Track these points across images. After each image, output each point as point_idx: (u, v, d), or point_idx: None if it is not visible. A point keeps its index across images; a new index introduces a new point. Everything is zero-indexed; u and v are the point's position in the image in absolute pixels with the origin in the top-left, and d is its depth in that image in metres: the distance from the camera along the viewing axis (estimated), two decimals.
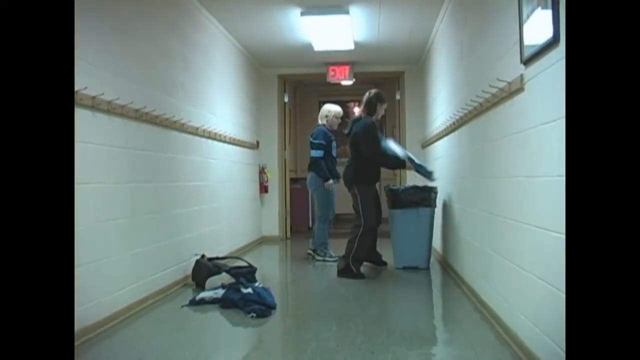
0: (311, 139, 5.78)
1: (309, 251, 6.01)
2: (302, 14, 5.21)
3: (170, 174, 4.19)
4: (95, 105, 3.01)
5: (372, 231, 4.90)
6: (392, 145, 5.02)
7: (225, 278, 4.10)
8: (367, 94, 4.94)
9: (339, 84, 7.91)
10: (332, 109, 5.91)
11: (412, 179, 6.96)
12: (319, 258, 5.72)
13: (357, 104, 10.64)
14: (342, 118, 6.01)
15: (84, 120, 2.95)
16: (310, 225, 8.52)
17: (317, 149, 5.71)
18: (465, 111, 3.87)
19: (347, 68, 7.34)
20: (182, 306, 3.67)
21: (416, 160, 4.98)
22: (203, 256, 4.39)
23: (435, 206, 5.07)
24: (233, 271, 4.18)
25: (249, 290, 3.65)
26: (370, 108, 4.84)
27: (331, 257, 5.65)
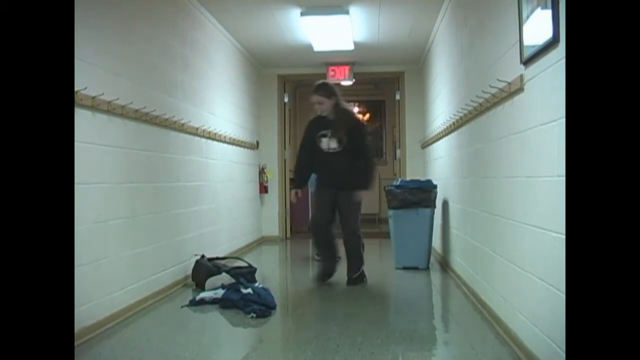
0: None
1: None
2: (302, 14, 5.21)
3: (170, 174, 4.19)
4: (95, 105, 3.01)
5: (314, 227, 4.62)
6: None
7: (225, 278, 4.09)
8: None
9: (339, 84, 7.91)
10: None
11: (412, 173, 6.97)
12: (318, 258, 5.71)
13: (356, 104, 10.65)
14: None
15: (84, 121, 2.95)
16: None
17: None
18: (465, 111, 3.87)
19: (347, 68, 7.34)
20: (182, 306, 3.67)
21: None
22: (203, 256, 4.39)
23: (435, 206, 5.07)
24: (233, 271, 4.17)
25: (249, 290, 3.65)
26: None
27: None
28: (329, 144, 4.40)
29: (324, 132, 4.41)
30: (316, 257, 5.71)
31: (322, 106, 4.39)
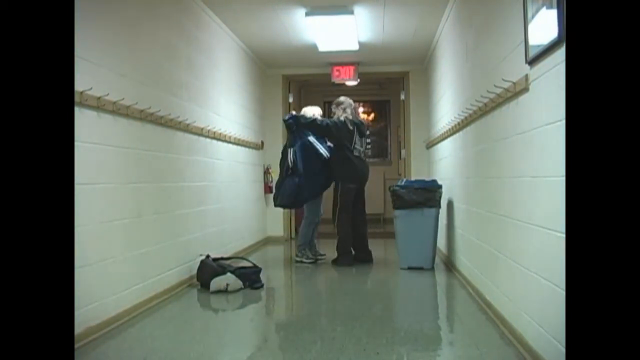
0: None
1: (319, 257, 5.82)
2: (307, 14, 5.21)
3: (175, 174, 4.20)
4: (100, 106, 3.02)
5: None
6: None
7: (230, 278, 4.10)
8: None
9: (344, 85, 7.91)
10: (308, 111, 5.77)
11: (417, 173, 6.96)
12: (297, 259, 5.72)
13: (361, 104, 10.65)
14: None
15: (89, 121, 2.96)
16: None
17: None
18: (470, 111, 3.87)
19: (351, 68, 7.33)
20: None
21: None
22: (208, 256, 4.39)
23: (440, 207, 5.06)
24: (238, 271, 4.19)
25: None
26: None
27: (308, 258, 5.67)
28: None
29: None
30: (296, 257, 5.71)
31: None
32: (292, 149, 5.47)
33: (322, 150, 5.45)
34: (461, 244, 4.56)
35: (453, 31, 4.93)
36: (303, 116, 5.52)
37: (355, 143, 5.41)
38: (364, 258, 5.48)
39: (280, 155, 5.72)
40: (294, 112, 5.68)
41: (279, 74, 7.74)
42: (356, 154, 5.43)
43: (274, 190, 5.67)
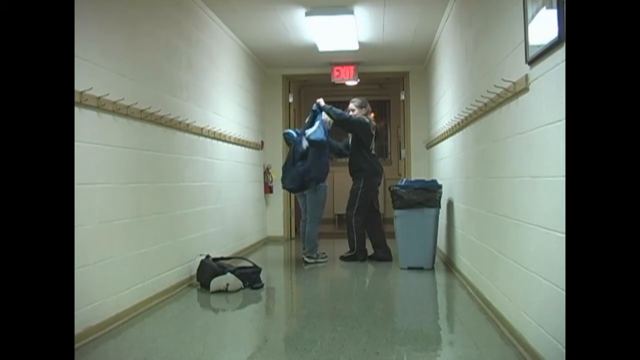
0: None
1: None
2: (307, 14, 5.21)
3: (175, 174, 4.20)
4: (100, 105, 3.02)
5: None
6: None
7: (230, 278, 4.10)
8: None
9: (344, 84, 7.91)
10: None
11: (417, 173, 6.97)
12: (311, 261, 5.66)
13: None
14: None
15: (89, 121, 2.96)
16: None
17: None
18: (470, 111, 3.87)
19: (351, 68, 7.33)
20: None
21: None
22: (208, 256, 4.40)
23: (440, 207, 5.06)
24: (238, 271, 4.19)
25: None
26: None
27: (323, 258, 5.68)
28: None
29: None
30: (309, 260, 5.67)
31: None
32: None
33: (300, 139, 5.61)
34: (461, 244, 4.56)
35: (453, 31, 4.93)
36: (332, 108, 5.63)
37: (372, 144, 5.80)
38: (386, 258, 5.61)
39: (282, 157, 5.85)
40: (321, 101, 5.71)
41: (279, 74, 7.74)
42: (372, 152, 5.79)
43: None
